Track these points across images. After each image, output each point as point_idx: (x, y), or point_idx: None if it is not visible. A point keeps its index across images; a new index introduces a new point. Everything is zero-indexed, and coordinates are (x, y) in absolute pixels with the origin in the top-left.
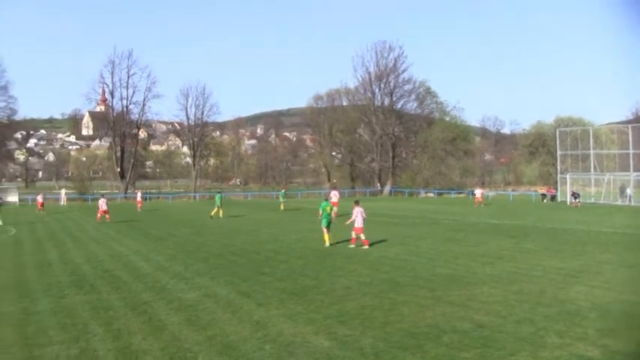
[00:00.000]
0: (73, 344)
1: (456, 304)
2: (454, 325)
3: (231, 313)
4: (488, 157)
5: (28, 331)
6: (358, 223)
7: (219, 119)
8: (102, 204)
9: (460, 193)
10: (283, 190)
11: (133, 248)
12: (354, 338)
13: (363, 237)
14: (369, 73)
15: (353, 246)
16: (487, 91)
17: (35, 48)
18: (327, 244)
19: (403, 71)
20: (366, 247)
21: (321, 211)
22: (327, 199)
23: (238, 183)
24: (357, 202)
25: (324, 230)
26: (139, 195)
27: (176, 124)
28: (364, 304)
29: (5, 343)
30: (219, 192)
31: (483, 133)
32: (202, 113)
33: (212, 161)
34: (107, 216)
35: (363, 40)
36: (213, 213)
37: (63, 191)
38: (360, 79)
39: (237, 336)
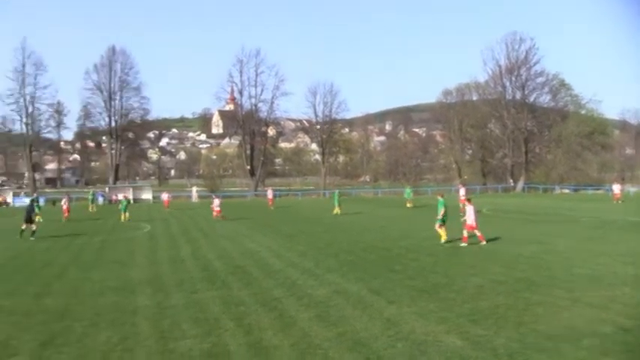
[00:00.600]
0: (205, 338)
1: (595, 305)
2: (594, 328)
3: (361, 310)
4: (628, 151)
5: (162, 324)
6: (471, 220)
7: (348, 116)
8: (216, 204)
9: (598, 189)
10: (408, 188)
11: (264, 245)
12: (487, 338)
13: (478, 233)
14: (500, 66)
15: (465, 244)
16: (626, 83)
17: (166, 49)
18: (443, 240)
19: (535, 63)
20: (484, 242)
21: (443, 210)
22: (442, 196)
23: (367, 180)
24: (469, 200)
25: (439, 227)
26: (269, 192)
27: (304, 122)
28: (497, 303)
29: (141, 336)
30: (336, 190)
31: (623, 126)
32: (330, 110)
33: (341, 158)
34: (220, 215)
35: (493, 32)
36: (334, 211)
37: (194, 189)
38: (490, 72)
39: (367, 333)
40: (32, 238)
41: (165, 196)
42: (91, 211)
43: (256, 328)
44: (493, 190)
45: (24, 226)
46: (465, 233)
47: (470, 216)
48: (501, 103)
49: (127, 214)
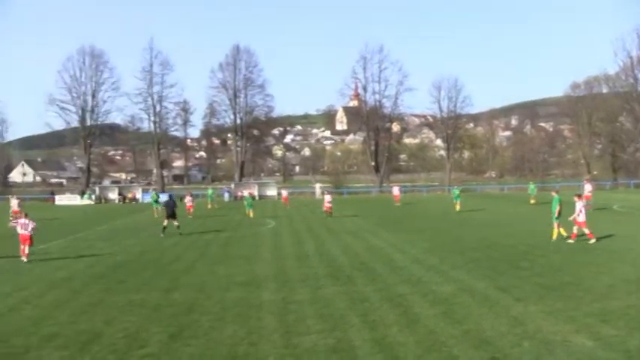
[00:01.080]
0: (329, 334)
1: None
2: None
3: (487, 307)
4: None
5: (287, 319)
6: (581, 217)
7: (472, 111)
8: (327, 200)
9: None
10: (532, 184)
11: (388, 241)
12: (619, 339)
13: (587, 231)
14: (631, 58)
15: (572, 241)
16: None
17: (290, 47)
18: (554, 238)
19: None
20: (593, 240)
21: (559, 207)
22: (557, 193)
23: (493, 175)
24: (579, 196)
25: (556, 224)
26: (395, 189)
27: (429, 117)
28: (629, 303)
29: (267, 330)
30: (455, 187)
31: None
32: (455, 105)
33: (466, 154)
34: (329, 211)
35: (624, 22)
36: (458, 208)
37: (317, 185)
38: (622, 64)
39: (493, 331)
40: (180, 233)
41: (284, 193)
42: (209, 208)
43: (381, 324)
44: (625, 186)
45: (166, 222)
46: (575, 230)
47: (579, 212)
48: (633, 95)
49: (251, 210)
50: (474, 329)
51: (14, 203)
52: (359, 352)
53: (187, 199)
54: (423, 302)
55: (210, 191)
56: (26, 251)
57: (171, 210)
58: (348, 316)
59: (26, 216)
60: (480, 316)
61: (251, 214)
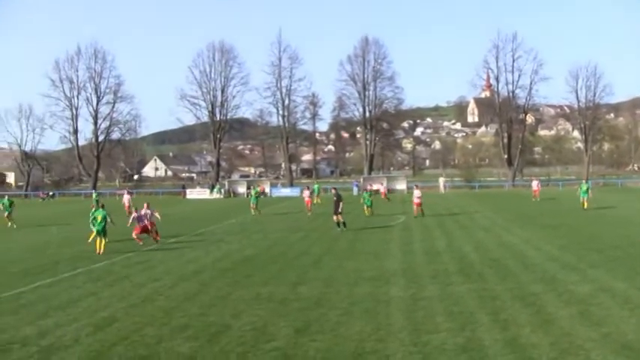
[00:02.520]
0: (459, 332)
1: None
2: None
3: (629, 310)
4: None
5: (416, 316)
6: None
7: (613, 100)
8: (416, 195)
9: None
10: None
11: (521, 237)
12: None
13: None
14: None
15: None
16: None
17: (419, 37)
18: None
19: None
20: None
21: None
22: None
23: (636, 169)
24: None
25: None
26: (535, 183)
27: (565, 108)
28: None
29: (395, 327)
30: (584, 181)
31: None
32: (594, 95)
33: (606, 146)
34: (419, 209)
35: None
36: (585, 205)
37: (441, 179)
38: None
39: (636, 335)
40: (344, 229)
41: (381, 187)
42: (315, 203)
43: (513, 324)
44: None
45: (335, 218)
46: None
47: None
48: None
49: (369, 208)
50: (614, 332)
51: (126, 199)
52: (489, 351)
53: (305, 194)
54: (558, 302)
55: (316, 186)
56: (156, 237)
57: (337, 205)
58: (478, 315)
59: (148, 206)
60: (621, 318)
61: (367, 212)
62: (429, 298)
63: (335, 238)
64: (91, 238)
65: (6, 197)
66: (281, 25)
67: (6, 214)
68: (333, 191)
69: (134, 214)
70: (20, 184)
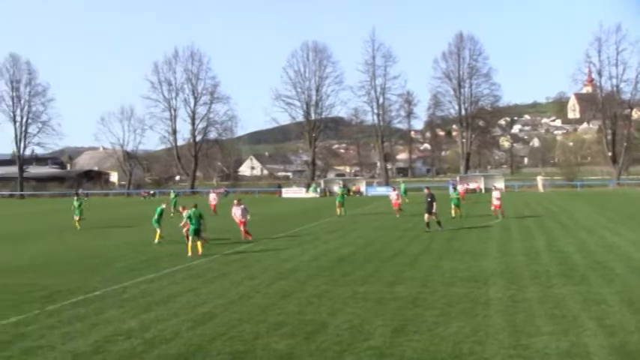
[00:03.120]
0: (561, 337)
1: None
2: None
3: None
4: None
5: (515, 318)
6: None
7: None
8: (496, 197)
9: None
10: None
11: (628, 238)
12: None
13: None
14: None
15: None
16: None
17: (516, 31)
18: None
19: None
20: None
21: None
22: None
23: None
24: None
25: None
26: None
27: None
28: None
29: (493, 329)
30: None
31: None
32: None
33: None
34: (500, 209)
35: None
36: None
37: (539, 178)
38: None
39: None
40: (439, 229)
41: (459, 188)
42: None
43: (620, 330)
44: None
45: (426, 217)
46: None
47: None
48: None
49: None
50: None
51: (212, 197)
52: (595, 358)
53: (392, 195)
54: None
55: (403, 185)
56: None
57: (430, 205)
58: (582, 319)
59: (239, 202)
60: None
61: (454, 212)
62: (529, 300)
63: (431, 238)
64: (156, 239)
65: (75, 198)
66: (374, 23)
67: (77, 217)
68: (426, 191)
69: (236, 208)
70: (122, 183)
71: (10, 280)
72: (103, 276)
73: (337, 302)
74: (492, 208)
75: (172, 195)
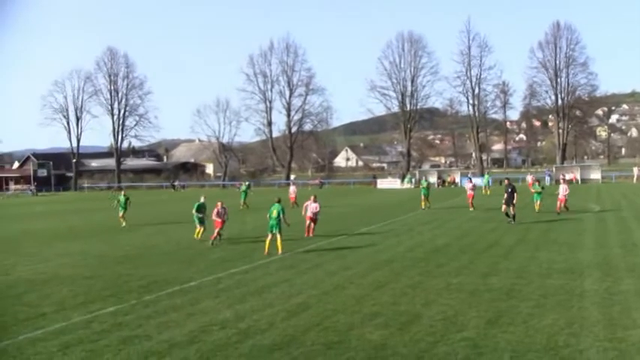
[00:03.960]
0: None
1: None
2: None
3: None
4: None
5: (611, 311)
6: None
7: None
8: (563, 191)
9: None
10: None
11: None
12: None
13: None
14: None
15: None
16: None
17: (614, 18)
18: None
19: None
20: None
21: None
22: None
23: None
24: None
25: None
26: None
27: None
28: None
29: (589, 321)
30: None
31: None
32: None
33: None
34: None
35: None
36: None
37: (635, 169)
38: None
39: None
40: (512, 222)
41: (530, 179)
42: (484, 194)
43: None
44: None
45: (503, 208)
46: None
47: None
48: None
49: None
50: None
51: (292, 190)
52: None
53: (468, 186)
54: None
55: (486, 176)
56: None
57: (510, 197)
58: None
59: (315, 199)
60: None
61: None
62: (626, 292)
63: (527, 229)
64: (197, 234)
65: (122, 194)
66: (470, 13)
67: (121, 213)
68: (506, 182)
69: (311, 204)
70: (218, 174)
71: (107, 271)
72: (198, 267)
73: (431, 293)
74: (558, 203)
75: (243, 187)
